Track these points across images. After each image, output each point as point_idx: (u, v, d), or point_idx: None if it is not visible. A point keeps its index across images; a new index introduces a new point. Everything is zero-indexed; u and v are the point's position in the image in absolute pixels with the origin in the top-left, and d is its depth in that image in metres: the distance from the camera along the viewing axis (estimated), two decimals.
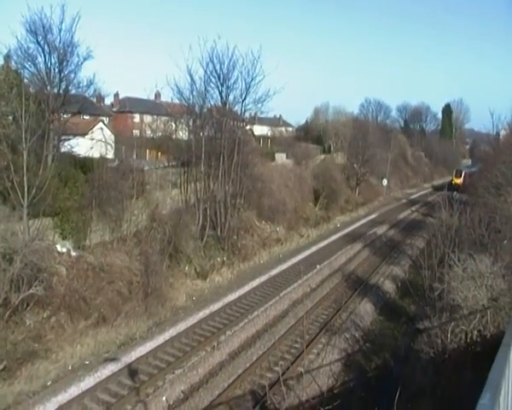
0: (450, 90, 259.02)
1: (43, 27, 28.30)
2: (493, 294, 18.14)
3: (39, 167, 25.46)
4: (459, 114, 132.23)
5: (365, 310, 29.19)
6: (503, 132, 79.96)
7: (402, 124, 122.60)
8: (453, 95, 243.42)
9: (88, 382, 19.38)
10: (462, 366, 16.19)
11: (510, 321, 13.17)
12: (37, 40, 28.45)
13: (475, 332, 17.24)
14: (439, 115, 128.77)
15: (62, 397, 18.21)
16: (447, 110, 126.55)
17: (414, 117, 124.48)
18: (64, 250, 26.92)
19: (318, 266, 36.66)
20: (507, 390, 7.09)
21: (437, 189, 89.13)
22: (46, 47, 28.66)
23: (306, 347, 23.33)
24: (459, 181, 77.20)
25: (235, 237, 37.93)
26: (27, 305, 22.23)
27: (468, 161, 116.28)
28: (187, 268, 32.25)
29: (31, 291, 21.36)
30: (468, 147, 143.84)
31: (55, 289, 24.09)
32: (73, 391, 18.65)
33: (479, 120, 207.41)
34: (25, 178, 23.55)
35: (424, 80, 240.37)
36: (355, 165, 65.55)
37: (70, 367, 20.64)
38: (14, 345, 20.22)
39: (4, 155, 24.29)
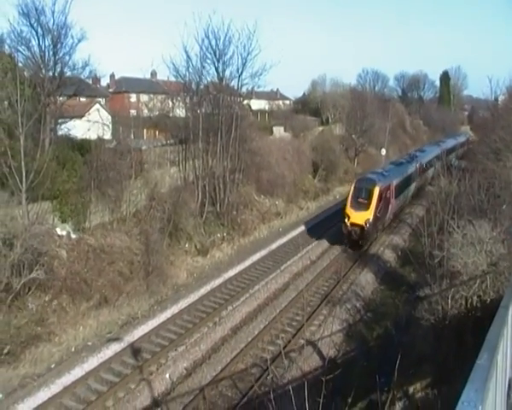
0: (448, 58, 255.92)
1: (36, 9, 27.87)
2: (493, 259, 18.13)
3: (37, 151, 25.34)
4: (457, 80, 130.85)
5: (366, 280, 29.30)
6: (501, 98, 78.17)
7: (400, 93, 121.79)
8: (451, 62, 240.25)
9: (91, 363, 19.60)
10: (463, 332, 16.26)
11: (509, 284, 13.19)
12: (31, 23, 28.05)
13: (475, 298, 17.26)
14: (437, 83, 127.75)
15: (67, 379, 18.43)
16: (445, 78, 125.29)
17: (412, 85, 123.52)
18: (64, 233, 26.90)
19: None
20: (505, 350, 7.10)
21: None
22: (39, 29, 28.26)
23: (308, 319, 23.44)
24: (362, 219, 33.77)
25: (235, 213, 37.96)
26: (29, 289, 22.31)
27: (466, 128, 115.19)
28: (187, 245, 32.32)
29: (32, 275, 21.40)
30: (466, 114, 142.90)
31: (56, 273, 24.15)
32: (77, 372, 18.87)
33: (477, 87, 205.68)
34: (22, 163, 23.47)
35: (421, 48, 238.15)
36: (353, 136, 65.17)
37: (73, 349, 20.83)
38: (17, 329, 20.33)
39: (1, 140, 24.20)
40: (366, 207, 33.89)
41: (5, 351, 19.17)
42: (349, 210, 34.40)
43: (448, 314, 17.76)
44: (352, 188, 35.46)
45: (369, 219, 33.46)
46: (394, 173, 40.09)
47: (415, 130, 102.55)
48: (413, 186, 46.67)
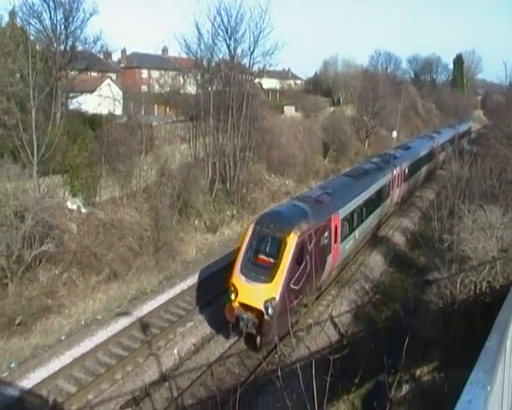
0: (462, 41, 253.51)
1: None
2: (503, 245, 18.09)
3: (48, 125, 25.48)
4: (471, 64, 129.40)
5: (375, 262, 29.23)
6: None
7: (412, 75, 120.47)
8: (465, 45, 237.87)
9: (100, 336, 19.85)
10: (472, 317, 16.28)
11: None
12: None
13: (484, 283, 17.24)
14: (451, 66, 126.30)
15: (76, 351, 18.70)
16: (459, 61, 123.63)
17: (424, 68, 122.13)
18: (74, 207, 27.07)
19: None
20: None
21: None
22: (51, 3, 28.28)
23: (316, 298, 23.45)
24: (259, 299, 17.96)
25: (245, 191, 38.02)
26: (40, 262, 22.56)
27: (479, 112, 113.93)
28: (197, 222, 32.48)
29: (43, 248, 21.59)
30: (479, 98, 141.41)
31: (66, 246, 24.36)
32: (87, 345, 19.11)
33: (491, 71, 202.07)
34: (34, 137, 23.63)
35: (435, 31, 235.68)
36: (365, 117, 64.85)
37: (83, 322, 21.08)
38: (28, 301, 20.59)
39: (13, 113, 24.25)
40: (270, 274, 18.42)
41: (17, 322, 19.46)
42: (237, 279, 18.79)
43: (457, 299, 17.76)
44: (249, 233, 19.81)
45: (273, 301, 17.87)
46: (345, 194, 25.34)
47: (427, 113, 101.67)
48: (385, 205, 33.23)
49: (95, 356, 18.69)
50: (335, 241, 23.04)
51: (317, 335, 20.28)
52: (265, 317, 17.83)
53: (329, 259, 22.53)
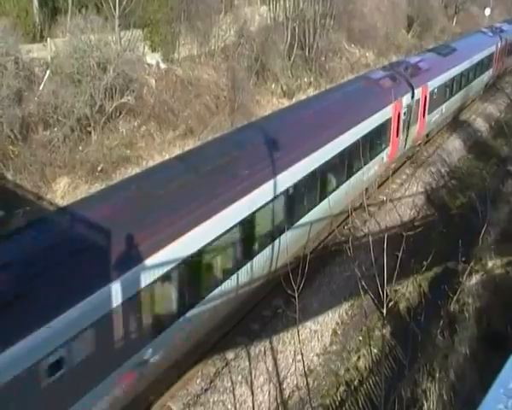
0: None
1: None
2: None
3: None
4: None
5: (453, 146, 28.06)
6: None
7: None
8: None
9: None
10: None
11: None
12: None
13: None
14: None
15: None
16: None
17: None
18: (153, 62, 27.16)
19: None
20: None
21: None
22: None
23: (393, 173, 22.92)
24: None
25: (323, 59, 37.05)
26: (120, 113, 23.28)
27: None
28: (273, 86, 32.34)
29: (123, 100, 22.31)
30: None
31: (145, 100, 24.89)
32: None
33: None
34: None
35: None
36: None
37: None
38: (109, 150, 21.56)
39: None
40: None
41: (99, 168, 20.58)
42: None
43: None
44: None
45: None
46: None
47: None
48: None
49: None
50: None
51: (389, 211, 20.03)
52: None
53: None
